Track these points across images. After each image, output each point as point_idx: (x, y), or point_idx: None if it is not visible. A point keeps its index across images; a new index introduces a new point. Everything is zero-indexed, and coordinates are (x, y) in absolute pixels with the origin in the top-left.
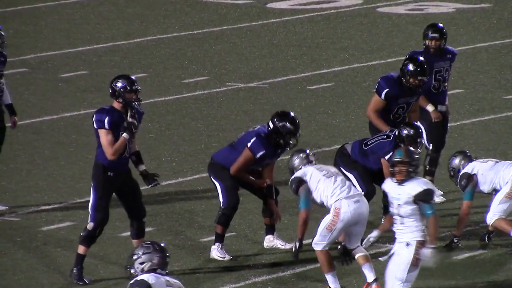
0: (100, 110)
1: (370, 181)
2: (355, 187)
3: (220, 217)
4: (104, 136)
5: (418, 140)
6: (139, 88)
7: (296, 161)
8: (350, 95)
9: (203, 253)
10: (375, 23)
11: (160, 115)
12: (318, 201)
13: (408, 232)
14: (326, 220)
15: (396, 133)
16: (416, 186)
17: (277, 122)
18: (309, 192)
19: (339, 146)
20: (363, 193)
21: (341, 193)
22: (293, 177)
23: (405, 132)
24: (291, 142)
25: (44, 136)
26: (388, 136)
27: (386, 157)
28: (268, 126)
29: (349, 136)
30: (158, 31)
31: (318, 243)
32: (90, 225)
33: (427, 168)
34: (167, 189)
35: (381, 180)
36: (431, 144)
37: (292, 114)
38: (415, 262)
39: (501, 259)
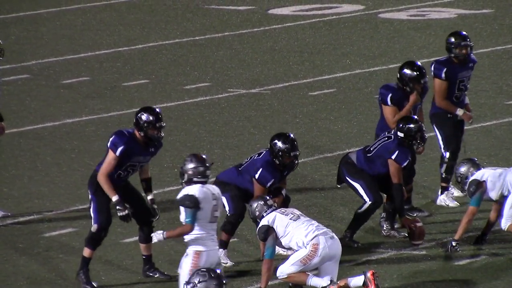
0: (120, 134)
1: (377, 190)
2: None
3: (225, 224)
4: (110, 158)
5: (423, 131)
6: (164, 124)
7: (257, 209)
8: (352, 101)
9: None
10: (377, 29)
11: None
12: (287, 245)
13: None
14: (301, 253)
15: (398, 133)
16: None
17: (276, 145)
18: (277, 238)
19: (341, 151)
20: (370, 202)
21: (316, 230)
22: (260, 225)
23: (410, 126)
24: (295, 162)
25: (46, 142)
26: (389, 137)
27: (393, 157)
28: (269, 150)
29: (351, 142)
30: (160, 37)
31: (284, 272)
32: (94, 227)
33: (443, 176)
34: (169, 195)
35: (387, 186)
36: (447, 153)
37: (290, 134)
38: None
39: (502, 265)
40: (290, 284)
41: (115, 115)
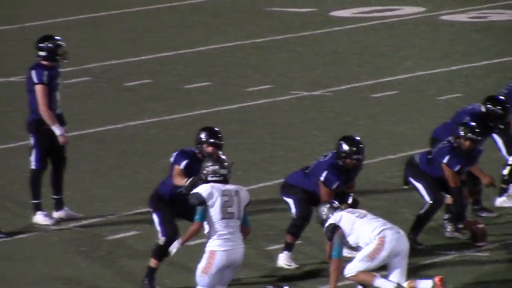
0: (182, 153)
1: (438, 190)
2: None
3: (291, 226)
4: (176, 171)
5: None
6: (220, 142)
7: (324, 212)
8: (414, 103)
9: (268, 261)
10: (438, 31)
11: (224, 123)
12: (354, 243)
13: None
14: (368, 248)
15: (455, 139)
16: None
17: (341, 147)
18: (343, 237)
19: (404, 154)
20: (431, 201)
21: (382, 225)
22: (327, 224)
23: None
24: (358, 165)
25: (107, 145)
26: (448, 141)
27: (444, 161)
28: (336, 152)
29: (413, 144)
30: (222, 40)
31: (353, 269)
32: (161, 240)
33: (505, 178)
34: None
35: (448, 188)
36: (511, 157)
37: (356, 138)
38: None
39: (468, 262)
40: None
41: (177, 117)
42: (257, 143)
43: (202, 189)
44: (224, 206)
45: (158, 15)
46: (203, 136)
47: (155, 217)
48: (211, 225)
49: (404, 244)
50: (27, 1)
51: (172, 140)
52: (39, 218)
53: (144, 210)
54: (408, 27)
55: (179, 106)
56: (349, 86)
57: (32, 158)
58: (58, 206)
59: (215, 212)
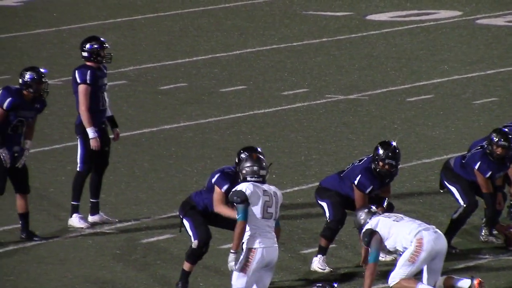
0: (225, 175)
1: (473, 194)
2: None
3: (325, 230)
4: (217, 195)
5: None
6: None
7: (361, 217)
8: (450, 107)
9: (303, 265)
10: (475, 35)
11: (260, 127)
12: (392, 247)
13: None
14: (407, 253)
15: (488, 145)
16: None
17: (377, 152)
18: (381, 242)
19: (439, 158)
20: (465, 205)
21: (419, 226)
22: (364, 230)
23: (495, 139)
24: (391, 171)
25: (143, 149)
26: (481, 147)
27: (476, 166)
28: (371, 158)
29: (448, 148)
30: (258, 43)
31: (396, 276)
32: (194, 243)
33: None
34: None
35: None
36: None
37: (393, 143)
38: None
39: (503, 266)
40: None
41: (213, 121)
42: (292, 146)
43: (245, 187)
44: (265, 206)
45: (194, 18)
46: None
47: (186, 222)
48: (251, 224)
49: (443, 244)
50: (63, 4)
51: (207, 144)
52: (74, 220)
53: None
54: (444, 31)
55: (214, 110)
56: (384, 90)
57: (78, 160)
58: (94, 210)
59: (256, 211)
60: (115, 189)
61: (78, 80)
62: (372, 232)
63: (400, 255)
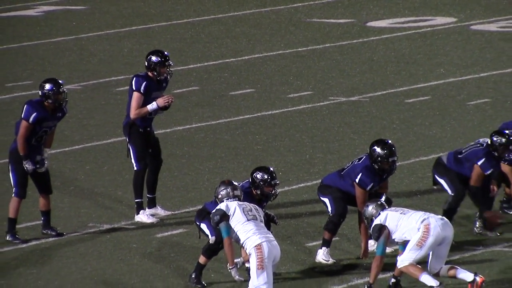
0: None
1: (461, 184)
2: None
3: (328, 224)
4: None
5: (511, 147)
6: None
7: (371, 209)
8: (446, 107)
9: (308, 257)
10: (469, 40)
11: (267, 127)
12: (400, 238)
13: None
14: (415, 238)
15: (488, 142)
16: None
17: (375, 151)
18: (389, 236)
19: (436, 155)
20: (452, 194)
21: (424, 214)
22: (373, 225)
23: (497, 140)
24: (393, 167)
25: None
26: (482, 144)
27: (479, 163)
28: (369, 155)
29: (445, 146)
30: (265, 49)
31: (405, 259)
32: (212, 239)
33: None
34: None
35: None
36: None
37: (388, 141)
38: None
39: (496, 257)
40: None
41: (223, 122)
42: (297, 145)
43: (219, 206)
44: (245, 211)
45: (205, 26)
46: (261, 177)
47: (203, 225)
48: (241, 230)
49: (449, 230)
50: (82, 14)
51: (218, 144)
52: (143, 217)
53: (191, 209)
54: (440, 36)
55: (224, 112)
56: (384, 92)
57: (132, 159)
58: (151, 203)
59: (239, 218)
60: (131, 186)
61: (133, 87)
62: (382, 228)
63: (406, 244)
